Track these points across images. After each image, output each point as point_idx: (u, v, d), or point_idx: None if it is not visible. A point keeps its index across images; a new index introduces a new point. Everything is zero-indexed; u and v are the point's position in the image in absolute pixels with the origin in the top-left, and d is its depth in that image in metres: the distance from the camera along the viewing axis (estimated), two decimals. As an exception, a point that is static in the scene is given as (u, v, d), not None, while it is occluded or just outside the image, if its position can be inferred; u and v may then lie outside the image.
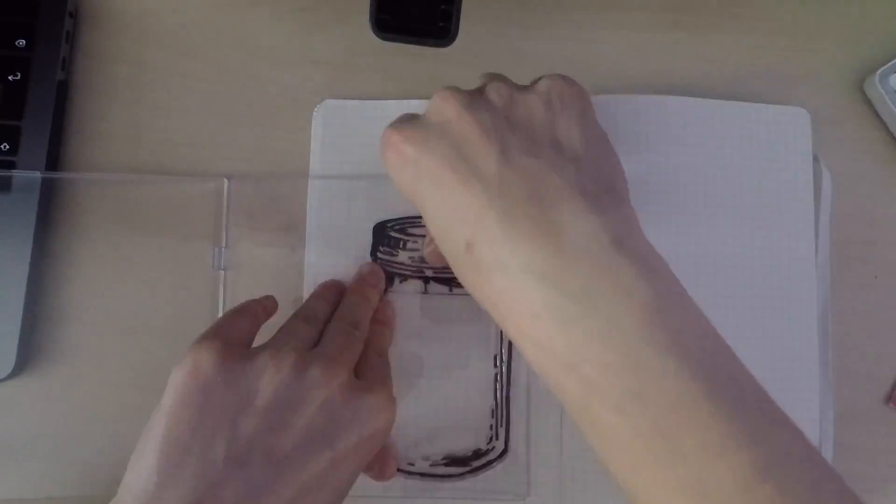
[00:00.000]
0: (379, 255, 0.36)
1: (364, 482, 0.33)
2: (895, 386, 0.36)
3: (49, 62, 0.37)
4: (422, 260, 0.35)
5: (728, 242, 0.36)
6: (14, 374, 0.35)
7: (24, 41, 0.37)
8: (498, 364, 0.35)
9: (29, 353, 0.36)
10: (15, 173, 0.35)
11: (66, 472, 0.35)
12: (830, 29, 0.40)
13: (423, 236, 0.35)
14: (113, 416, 0.35)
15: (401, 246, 0.35)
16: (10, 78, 0.36)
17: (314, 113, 0.37)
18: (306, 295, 0.35)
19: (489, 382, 0.35)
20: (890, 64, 0.38)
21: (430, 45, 0.37)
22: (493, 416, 0.35)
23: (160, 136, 0.38)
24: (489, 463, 0.35)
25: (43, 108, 0.36)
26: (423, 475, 0.35)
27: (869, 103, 0.39)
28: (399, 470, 0.34)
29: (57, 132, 0.37)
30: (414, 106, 0.36)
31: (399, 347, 0.35)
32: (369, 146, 0.34)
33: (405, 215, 0.36)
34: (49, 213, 0.37)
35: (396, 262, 0.35)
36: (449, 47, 0.36)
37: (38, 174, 0.35)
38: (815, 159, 0.37)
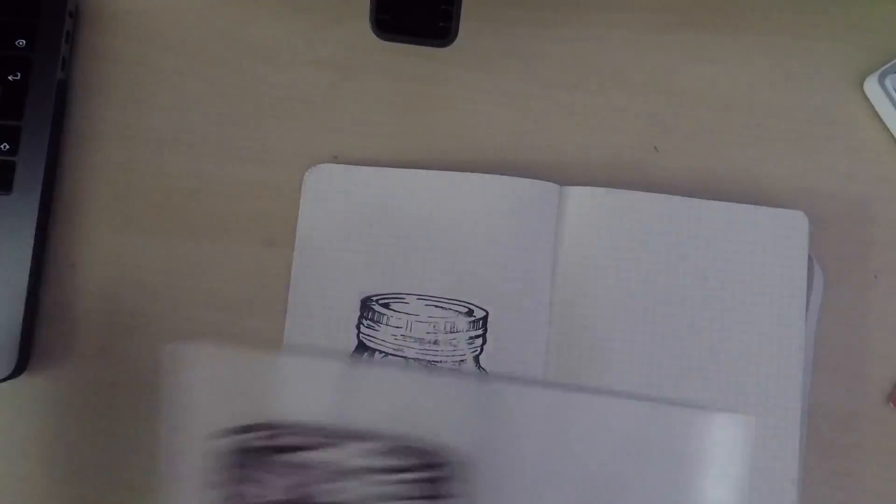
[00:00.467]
0: (362, 327, 0.36)
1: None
2: (895, 386, 0.37)
3: (49, 62, 0.37)
4: (403, 339, 0.35)
5: (716, 339, 0.36)
6: (14, 374, 0.35)
7: (24, 41, 0.37)
8: None
9: (29, 353, 0.36)
10: None
11: (67, 472, 0.35)
12: (830, 29, 0.40)
13: (407, 314, 0.36)
14: (113, 416, 0.35)
15: (383, 321, 0.35)
16: (10, 78, 0.36)
17: (305, 176, 0.37)
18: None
19: None
20: (890, 64, 0.38)
21: (430, 45, 0.37)
22: None
23: (160, 136, 0.38)
24: None
25: (43, 108, 0.36)
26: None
27: (869, 103, 0.39)
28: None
29: (57, 132, 0.37)
30: (410, 174, 0.36)
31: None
32: (361, 213, 0.36)
33: (389, 291, 0.36)
34: (50, 212, 0.37)
35: (378, 338, 0.36)
36: (449, 47, 0.36)
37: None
38: (809, 258, 0.36)
